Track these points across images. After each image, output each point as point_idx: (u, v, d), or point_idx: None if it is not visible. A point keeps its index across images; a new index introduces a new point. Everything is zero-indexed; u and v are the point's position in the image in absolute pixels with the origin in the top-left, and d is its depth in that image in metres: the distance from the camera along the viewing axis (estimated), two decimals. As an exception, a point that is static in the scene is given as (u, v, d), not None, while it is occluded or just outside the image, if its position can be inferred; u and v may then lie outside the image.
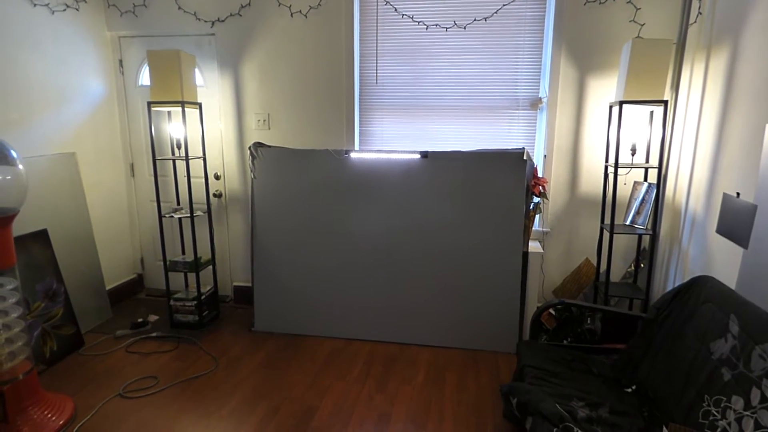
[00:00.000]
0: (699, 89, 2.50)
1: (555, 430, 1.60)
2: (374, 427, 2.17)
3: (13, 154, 2.04)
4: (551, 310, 2.95)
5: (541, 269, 3.16)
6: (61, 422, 2.14)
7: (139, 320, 3.16)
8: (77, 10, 3.14)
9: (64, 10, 3.04)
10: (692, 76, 2.60)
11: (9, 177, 2.00)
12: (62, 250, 2.92)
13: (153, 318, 3.30)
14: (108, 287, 3.42)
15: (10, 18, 2.69)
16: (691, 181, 2.53)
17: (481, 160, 2.77)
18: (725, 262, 2.10)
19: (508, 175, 2.75)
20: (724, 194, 2.10)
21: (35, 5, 2.84)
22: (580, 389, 1.90)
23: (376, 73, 3.18)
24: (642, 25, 2.76)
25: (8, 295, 2.11)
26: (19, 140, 2.78)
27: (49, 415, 2.15)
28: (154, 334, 3.05)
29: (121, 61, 3.45)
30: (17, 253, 2.58)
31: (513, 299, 2.84)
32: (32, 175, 2.79)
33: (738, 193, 2.01)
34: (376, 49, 3.14)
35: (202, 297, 3.15)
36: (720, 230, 2.12)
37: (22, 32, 2.77)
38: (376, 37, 3.12)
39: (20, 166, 2.05)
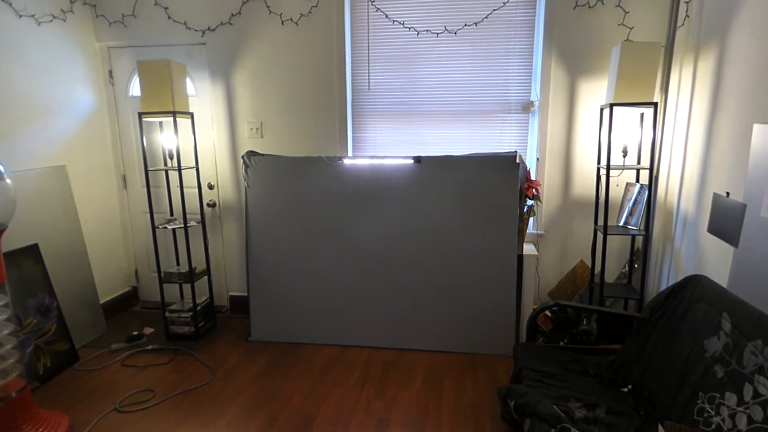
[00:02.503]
0: (688, 91, 2.53)
1: (552, 431, 1.61)
2: (374, 435, 2.16)
3: (0, 168, 2.01)
4: (547, 312, 2.96)
5: (536, 272, 3.17)
6: (56, 439, 2.12)
7: (135, 333, 3.13)
8: (64, 20, 3.12)
9: (51, 21, 3.02)
10: (681, 78, 2.64)
11: (-2, 192, 1.98)
12: (54, 264, 2.89)
13: (148, 330, 3.27)
14: (102, 301, 3.39)
15: (-6, 30, 2.67)
16: (682, 181, 2.55)
17: (474, 164, 2.78)
18: (717, 261, 2.12)
19: (501, 179, 2.76)
20: (714, 194, 2.13)
21: (20, 16, 2.82)
22: (576, 390, 1.91)
23: (368, 79, 3.19)
24: (631, 29, 2.79)
25: None
26: (7, 154, 2.75)
27: (44, 433, 2.12)
28: (149, 347, 3.03)
29: (110, 72, 3.43)
30: (7, 268, 2.55)
31: (509, 302, 2.85)
32: (22, 189, 2.76)
33: (728, 193, 2.04)
34: (368, 56, 3.15)
35: (198, 308, 3.13)
36: (711, 229, 2.15)
37: (7, 43, 2.74)
38: (368, 43, 3.13)
39: (8, 180, 2.03)
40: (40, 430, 2.12)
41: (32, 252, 2.72)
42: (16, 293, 2.57)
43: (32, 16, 2.89)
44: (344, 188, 2.93)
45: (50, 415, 2.23)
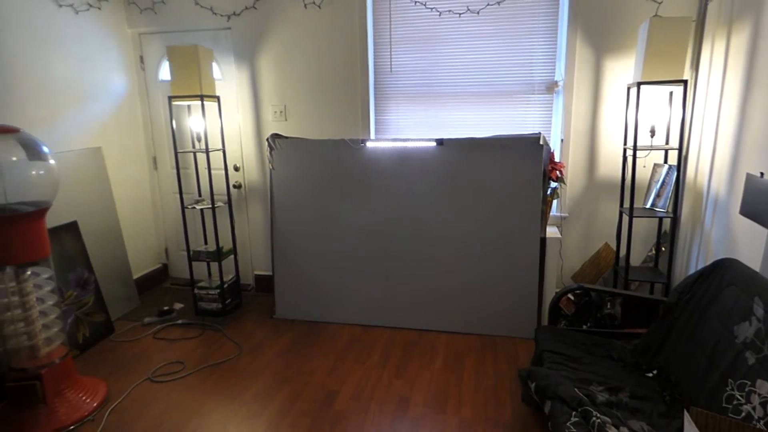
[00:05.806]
0: (720, 67, 2.43)
1: (574, 413, 1.60)
2: (394, 411, 2.21)
3: (45, 149, 2.12)
4: (570, 296, 2.93)
5: (560, 255, 3.13)
6: (95, 404, 2.25)
7: (165, 308, 3.27)
8: (99, 9, 3.22)
9: (88, 9, 3.13)
10: (713, 53, 2.53)
11: (42, 172, 2.08)
12: (91, 241, 3.04)
13: (178, 306, 3.41)
14: (135, 276, 3.54)
15: (36, 19, 2.79)
16: (712, 162, 2.47)
17: (497, 146, 2.76)
18: (749, 244, 2.06)
19: (525, 161, 2.73)
20: (748, 174, 2.06)
21: (60, 6, 2.93)
22: (599, 374, 1.89)
23: (390, 61, 3.18)
24: (659, 3, 2.69)
25: (44, 283, 2.22)
26: (48, 136, 2.89)
27: (84, 398, 2.25)
28: (179, 322, 3.16)
29: (141, 58, 3.53)
30: (51, 244, 2.69)
31: (531, 285, 2.84)
32: (62, 169, 2.90)
33: (762, 173, 1.96)
34: (390, 38, 3.15)
35: (225, 285, 3.24)
36: (743, 211, 2.08)
37: (48, 32, 2.86)
38: (390, 25, 3.13)
39: (51, 161, 2.14)
40: (81, 395, 2.26)
41: (72, 229, 2.87)
42: (58, 267, 2.72)
43: (71, 5, 3.01)
44: (367, 171, 2.95)
45: (90, 381, 2.38)
